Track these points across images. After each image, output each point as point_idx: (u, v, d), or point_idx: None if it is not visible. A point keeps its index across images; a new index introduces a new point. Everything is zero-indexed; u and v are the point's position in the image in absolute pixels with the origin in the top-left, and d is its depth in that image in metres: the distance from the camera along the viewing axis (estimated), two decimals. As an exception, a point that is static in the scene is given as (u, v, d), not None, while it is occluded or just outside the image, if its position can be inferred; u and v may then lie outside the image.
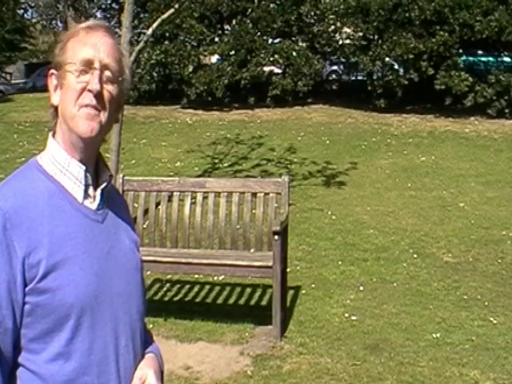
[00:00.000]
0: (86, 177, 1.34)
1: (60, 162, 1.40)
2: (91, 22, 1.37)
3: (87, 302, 1.26)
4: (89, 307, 1.26)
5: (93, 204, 1.34)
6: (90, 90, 1.28)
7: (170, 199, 4.72)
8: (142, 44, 6.59)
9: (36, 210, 1.27)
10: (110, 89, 1.30)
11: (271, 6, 15.52)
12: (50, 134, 1.46)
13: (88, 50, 1.29)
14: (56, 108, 1.36)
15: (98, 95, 1.28)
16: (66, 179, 1.35)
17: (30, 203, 1.28)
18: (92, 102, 1.28)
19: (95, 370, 1.28)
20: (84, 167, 1.35)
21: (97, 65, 1.28)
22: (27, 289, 1.21)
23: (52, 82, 1.36)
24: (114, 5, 21.78)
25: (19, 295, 1.21)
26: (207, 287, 5.10)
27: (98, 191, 1.35)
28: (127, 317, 1.36)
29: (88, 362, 1.27)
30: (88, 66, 1.28)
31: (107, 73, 1.30)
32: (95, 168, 1.39)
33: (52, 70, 1.37)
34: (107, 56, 1.30)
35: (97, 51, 1.29)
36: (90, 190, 1.34)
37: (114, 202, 1.41)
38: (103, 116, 1.31)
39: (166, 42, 15.55)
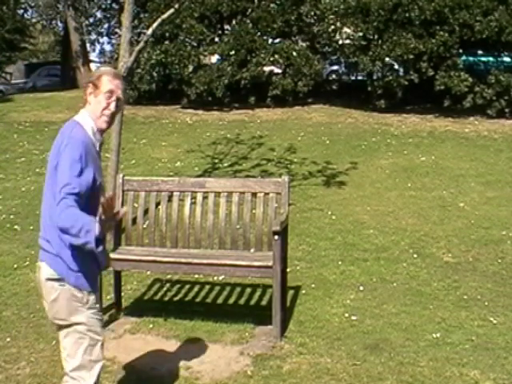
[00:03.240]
0: (100, 138, 2.82)
1: (90, 126, 2.77)
2: (113, 70, 2.92)
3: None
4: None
5: (96, 147, 2.80)
6: (109, 109, 2.78)
7: (170, 199, 4.72)
8: (141, 44, 6.58)
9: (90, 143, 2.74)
10: (117, 109, 2.82)
11: (271, 5, 15.51)
12: (83, 110, 2.81)
13: (113, 87, 2.77)
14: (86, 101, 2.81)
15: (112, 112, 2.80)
16: (92, 136, 2.76)
17: (88, 135, 2.75)
18: (109, 115, 2.79)
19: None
20: (100, 133, 2.81)
21: (114, 97, 2.78)
22: None
23: (89, 89, 2.79)
24: (114, 5, 21.76)
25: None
26: (207, 287, 5.10)
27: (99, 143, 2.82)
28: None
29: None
30: (111, 93, 2.76)
31: (118, 102, 2.81)
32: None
33: (90, 84, 2.78)
34: (120, 93, 2.80)
35: (117, 89, 2.78)
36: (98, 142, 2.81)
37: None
38: (111, 120, 2.83)
39: (166, 42, 15.55)
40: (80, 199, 2.54)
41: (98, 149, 2.79)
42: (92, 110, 2.76)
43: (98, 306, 2.82)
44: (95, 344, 2.73)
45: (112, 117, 2.78)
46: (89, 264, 2.70)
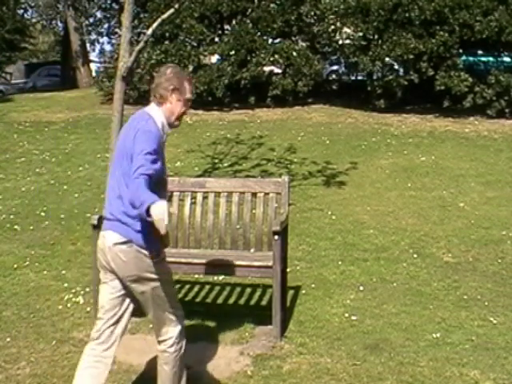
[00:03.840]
0: (167, 132, 3.17)
1: (161, 121, 3.12)
2: (189, 76, 3.31)
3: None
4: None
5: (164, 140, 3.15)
6: (186, 114, 3.25)
7: (169, 199, 4.72)
8: (141, 44, 6.57)
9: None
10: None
11: (271, 5, 15.49)
12: (156, 105, 3.17)
13: (191, 96, 3.19)
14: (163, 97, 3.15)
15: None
16: (161, 130, 3.10)
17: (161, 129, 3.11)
18: (181, 120, 3.23)
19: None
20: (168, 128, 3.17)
21: (189, 103, 3.22)
22: None
23: (172, 91, 3.14)
24: (114, 5, 21.76)
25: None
26: (207, 287, 5.10)
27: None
28: None
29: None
30: (190, 101, 3.20)
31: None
32: None
33: (172, 86, 3.14)
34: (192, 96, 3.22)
35: (192, 95, 3.19)
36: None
37: None
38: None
39: (166, 42, 15.54)
40: (151, 182, 2.84)
41: (164, 142, 3.17)
42: (170, 109, 3.14)
43: (164, 261, 3.19)
44: (165, 287, 3.12)
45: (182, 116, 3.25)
46: (152, 230, 2.87)
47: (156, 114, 3.11)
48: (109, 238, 3.07)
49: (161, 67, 3.39)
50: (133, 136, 2.98)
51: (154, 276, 3.06)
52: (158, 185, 2.97)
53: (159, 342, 3.27)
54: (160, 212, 2.65)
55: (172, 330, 3.22)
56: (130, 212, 2.96)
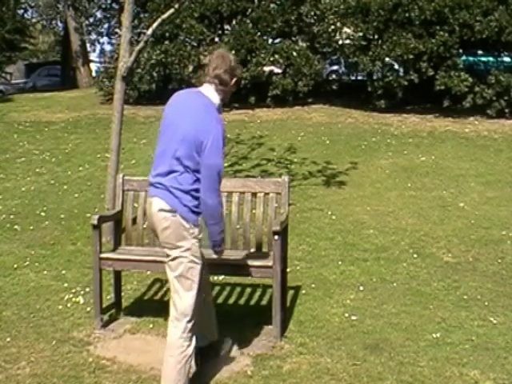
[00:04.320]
0: (220, 105, 3.42)
1: (215, 98, 3.39)
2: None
3: None
4: None
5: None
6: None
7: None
8: (141, 44, 6.57)
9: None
10: None
11: (271, 6, 15.50)
12: (212, 88, 3.39)
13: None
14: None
15: None
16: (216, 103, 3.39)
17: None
18: None
19: None
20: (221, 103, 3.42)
21: None
22: None
23: (229, 76, 3.39)
24: (114, 5, 21.78)
25: None
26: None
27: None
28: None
29: None
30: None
31: None
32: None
33: (234, 72, 3.42)
34: None
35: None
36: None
37: None
38: None
39: (166, 42, 15.54)
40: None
41: None
42: (227, 92, 3.44)
43: (199, 237, 3.39)
44: (195, 267, 3.34)
45: None
46: (198, 206, 3.27)
47: (215, 99, 3.39)
48: (156, 204, 3.31)
49: (218, 50, 3.74)
50: (206, 123, 3.27)
51: (187, 251, 3.29)
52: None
53: (169, 332, 3.38)
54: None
55: (183, 321, 3.30)
56: (182, 187, 3.25)
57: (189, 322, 3.32)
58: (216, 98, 3.40)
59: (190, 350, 3.33)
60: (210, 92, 3.39)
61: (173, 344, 3.33)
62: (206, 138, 3.23)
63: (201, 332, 3.63)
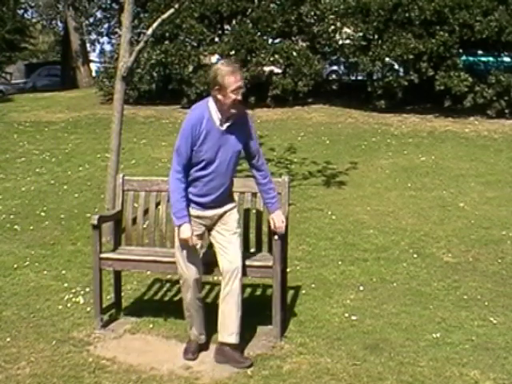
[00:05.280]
0: (221, 120, 3.72)
1: (214, 111, 3.73)
2: (231, 65, 3.79)
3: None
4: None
5: (222, 127, 3.73)
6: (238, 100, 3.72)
7: (169, 199, 4.71)
8: (141, 44, 6.57)
9: (201, 124, 3.69)
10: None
11: (271, 5, 15.50)
12: (210, 99, 3.76)
13: (240, 83, 3.72)
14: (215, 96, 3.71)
15: None
16: (215, 118, 3.73)
17: (200, 120, 3.70)
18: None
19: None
20: (221, 117, 3.73)
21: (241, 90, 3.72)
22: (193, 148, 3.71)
23: (215, 90, 3.68)
24: (114, 5, 21.80)
25: (189, 149, 3.70)
26: (207, 287, 5.09)
27: (225, 125, 3.73)
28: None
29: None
30: (239, 90, 3.70)
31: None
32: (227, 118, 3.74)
33: (216, 86, 3.68)
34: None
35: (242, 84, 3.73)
36: (222, 123, 3.72)
37: (236, 125, 3.77)
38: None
39: (166, 42, 15.54)
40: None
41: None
42: (221, 102, 3.73)
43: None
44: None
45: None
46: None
47: (213, 107, 3.77)
48: None
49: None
50: (249, 130, 3.96)
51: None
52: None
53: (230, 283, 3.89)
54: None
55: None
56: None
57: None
58: (213, 107, 3.74)
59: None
60: (210, 102, 3.77)
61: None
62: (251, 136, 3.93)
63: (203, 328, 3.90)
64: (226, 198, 3.93)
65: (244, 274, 4.15)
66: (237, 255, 3.89)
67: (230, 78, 3.65)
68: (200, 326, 4.02)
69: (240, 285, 3.88)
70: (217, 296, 4.92)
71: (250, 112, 4.01)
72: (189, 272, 3.88)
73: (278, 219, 3.99)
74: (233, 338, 3.86)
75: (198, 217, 3.87)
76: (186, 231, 3.72)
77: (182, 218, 3.73)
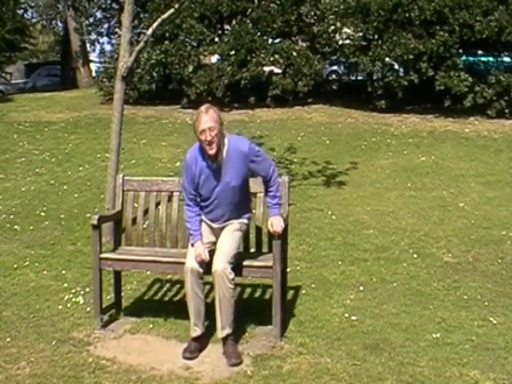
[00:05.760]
0: (211, 159, 3.98)
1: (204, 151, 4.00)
2: (199, 110, 3.99)
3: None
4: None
5: (214, 165, 3.99)
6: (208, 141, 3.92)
7: (169, 199, 4.72)
8: (141, 44, 6.57)
9: (195, 163, 4.03)
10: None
11: (271, 5, 15.49)
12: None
13: (203, 126, 3.90)
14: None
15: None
16: (206, 158, 4.01)
17: (193, 161, 4.04)
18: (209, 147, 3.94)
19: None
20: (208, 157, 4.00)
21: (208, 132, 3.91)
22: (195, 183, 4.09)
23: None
24: (114, 5, 21.76)
25: (190, 185, 4.11)
26: (207, 287, 5.08)
27: (215, 163, 3.99)
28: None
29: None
30: (204, 132, 3.91)
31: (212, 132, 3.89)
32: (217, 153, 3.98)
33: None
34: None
35: (208, 125, 3.90)
36: (213, 162, 3.99)
37: (228, 160, 3.98)
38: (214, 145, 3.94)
39: (166, 42, 15.54)
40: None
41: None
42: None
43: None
44: None
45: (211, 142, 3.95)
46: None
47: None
48: None
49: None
50: (248, 159, 4.12)
51: None
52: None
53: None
54: None
55: None
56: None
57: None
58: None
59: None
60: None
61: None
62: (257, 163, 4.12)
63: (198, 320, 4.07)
64: (236, 215, 4.18)
65: (240, 274, 4.15)
66: (224, 254, 4.00)
67: (196, 122, 3.93)
68: (194, 317, 4.06)
69: (226, 282, 3.95)
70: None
71: (247, 142, 4.05)
72: (188, 259, 4.06)
73: (276, 223, 4.06)
74: (220, 333, 3.99)
75: (209, 226, 4.22)
76: (198, 248, 4.03)
77: (195, 237, 4.10)
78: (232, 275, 3.97)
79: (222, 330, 3.98)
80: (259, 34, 15.39)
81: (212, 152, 3.91)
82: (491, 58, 13.81)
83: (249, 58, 15.06)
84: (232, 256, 4.02)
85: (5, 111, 15.90)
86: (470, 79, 12.90)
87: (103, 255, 4.38)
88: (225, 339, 3.99)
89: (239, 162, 4.00)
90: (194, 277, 4.02)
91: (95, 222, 4.31)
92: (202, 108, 3.97)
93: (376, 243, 6.20)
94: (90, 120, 14.27)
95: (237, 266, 4.10)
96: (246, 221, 4.24)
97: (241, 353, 3.97)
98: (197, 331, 4.06)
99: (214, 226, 4.20)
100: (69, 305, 4.83)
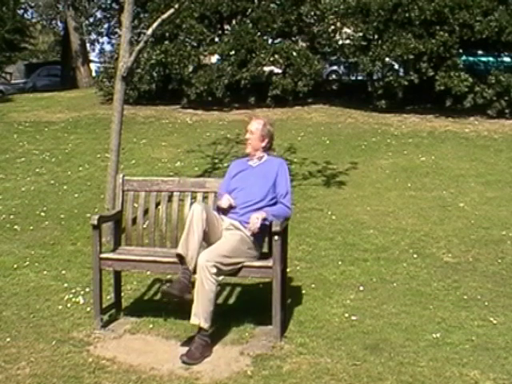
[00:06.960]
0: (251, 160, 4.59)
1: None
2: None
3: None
4: None
5: (254, 163, 4.56)
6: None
7: (169, 199, 4.72)
8: (142, 44, 6.57)
9: (239, 163, 4.68)
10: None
11: (271, 5, 15.48)
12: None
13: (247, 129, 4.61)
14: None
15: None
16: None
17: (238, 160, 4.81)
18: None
19: None
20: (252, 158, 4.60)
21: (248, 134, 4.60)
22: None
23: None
24: (114, 5, 21.78)
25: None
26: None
27: (257, 162, 4.56)
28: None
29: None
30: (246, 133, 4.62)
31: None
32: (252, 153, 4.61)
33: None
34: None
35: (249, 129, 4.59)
36: (255, 162, 4.57)
37: (266, 165, 4.55)
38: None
39: (166, 42, 15.52)
40: None
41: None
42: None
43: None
44: None
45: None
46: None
47: None
48: None
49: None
50: (276, 172, 4.55)
51: None
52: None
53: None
54: None
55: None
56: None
57: None
58: None
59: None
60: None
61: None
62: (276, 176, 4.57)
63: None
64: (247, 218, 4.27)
65: (236, 274, 4.15)
66: (213, 251, 4.06)
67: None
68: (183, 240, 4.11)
69: (207, 274, 3.97)
70: (217, 296, 4.92)
71: (283, 160, 4.74)
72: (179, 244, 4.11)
73: (253, 218, 4.18)
74: (192, 319, 3.98)
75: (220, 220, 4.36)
76: (225, 196, 4.36)
77: (222, 195, 4.41)
78: (214, 270, 3.96)
79: (194, 316, 3.96)
80: (259, 34, 15.38)
81: (247, 150, 4.53)
82: (491, 58, 13.80)
83: (249, 58, 15.04)
84: (221, 257, 4.01)
85: (5, 111, 15.89)
86: (470, 79, 12.88)
87: (103, 255, 4.38)
88: (198, 333, 3.98)
89: (271, 167, 4.45)
90: (198, 214, 4.07)
91: (95, 222, 4.31)
92: (263, 117, 4.71)
93: (376, 243, 6.20)
94: (89, 120, 14.26)
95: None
96: (249, 241, 4.24)
97: (241, 352, 3.96)
98: (178, 250, 4.09)
99: (225, 220, 4.28)
100: (69, 305, 4.83)
